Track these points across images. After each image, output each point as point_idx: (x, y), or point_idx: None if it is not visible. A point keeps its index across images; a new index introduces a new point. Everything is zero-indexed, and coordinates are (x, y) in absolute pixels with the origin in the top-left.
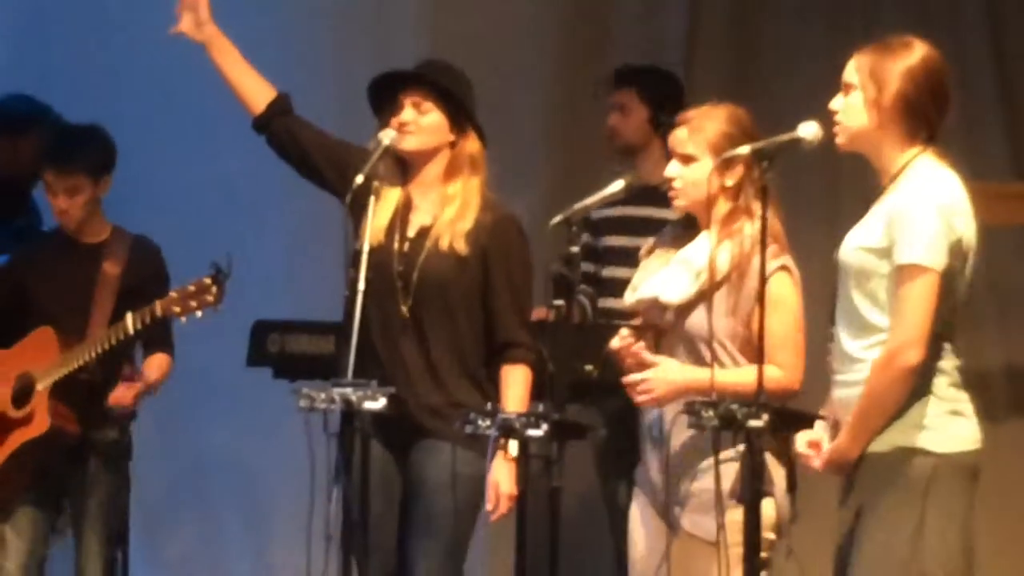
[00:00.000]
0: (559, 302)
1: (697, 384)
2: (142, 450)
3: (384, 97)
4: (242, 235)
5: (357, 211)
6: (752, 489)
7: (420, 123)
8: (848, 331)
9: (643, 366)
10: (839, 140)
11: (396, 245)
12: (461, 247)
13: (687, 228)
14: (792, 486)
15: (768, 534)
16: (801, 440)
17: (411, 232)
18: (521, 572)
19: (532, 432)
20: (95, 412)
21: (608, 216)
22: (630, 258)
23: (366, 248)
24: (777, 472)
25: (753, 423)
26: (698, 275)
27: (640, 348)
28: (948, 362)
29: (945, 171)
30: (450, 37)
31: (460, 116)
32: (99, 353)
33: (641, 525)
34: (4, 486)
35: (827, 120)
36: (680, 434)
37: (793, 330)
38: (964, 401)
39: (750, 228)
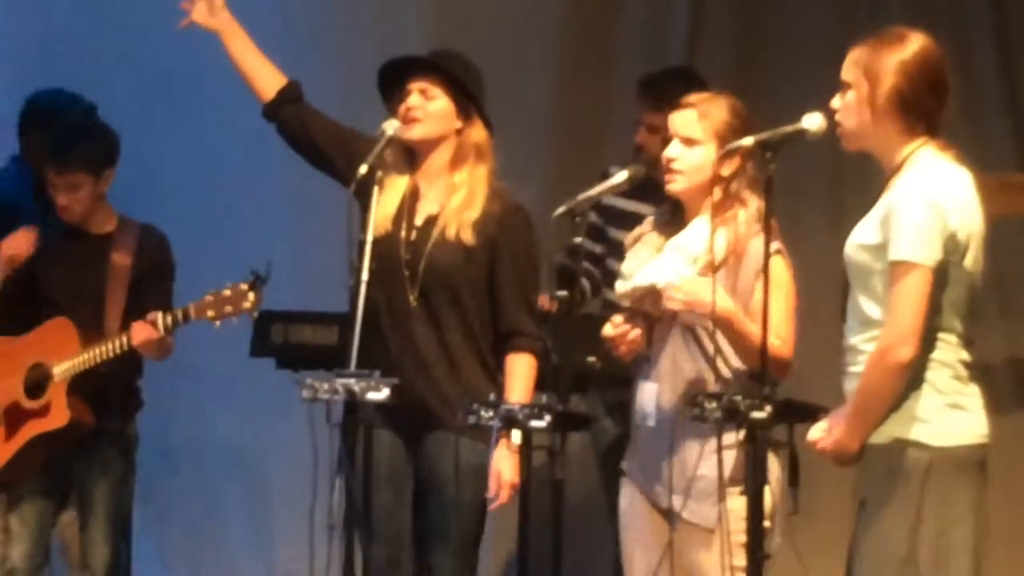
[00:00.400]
0: (562, 293)
1: (718, 311)
2: (145, 440)
3: (392, 84)
4: (244, 225)
5: (363, 201)
6: (755, 481)
7: (427, 109)
8: (853, 325)
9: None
10: (843, 142)
11: (403, 234)
12: (468, 236)
13: (673, 216)
14: (795, 480)
15: (763, 522)
16: (816, 429)
17: (418, 221)
18: (523, 563)
19: (535, 423)
20: (108, 403)
21: (619, 208)
22: None
23: (370, 239)
24: (772, 462)
25: (756, 415)
26: (695, 261)
27: (636, 335)
28: (949, 355)
29: (944, 163)
30: (454, 26)
31: (467, 104)
32: (121, 349)
33: (635, 516)
34: (14, 475)
35: (831, 111)
36: (675, 423)
37: (791, 307)
38: (968, 395)
39: (743, 215)
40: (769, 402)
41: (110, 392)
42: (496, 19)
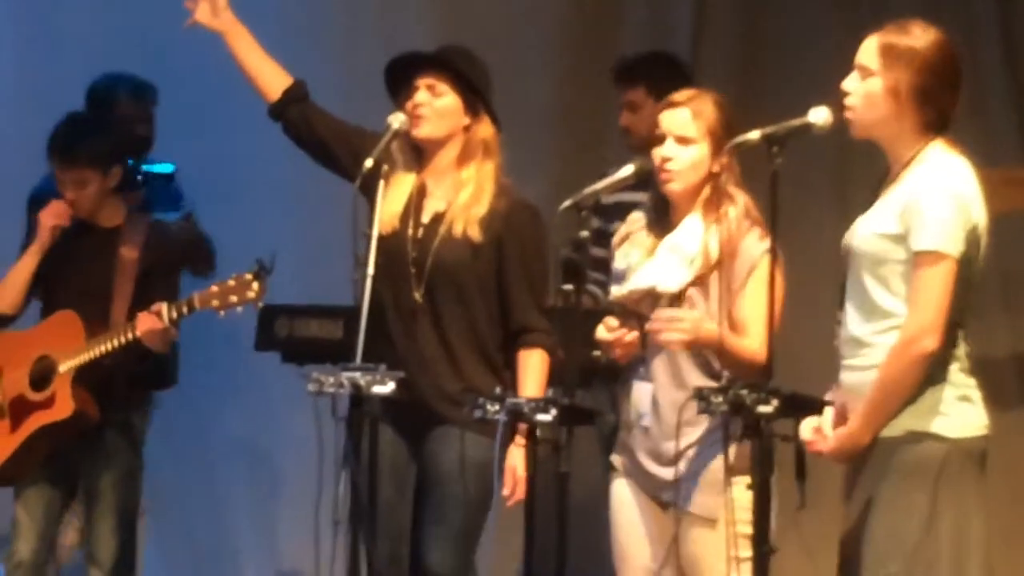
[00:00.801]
0: (568, 287)
1: (715, 340)
2: (151, 434)
3: (400, 81)
4: (249, 220)
5: (369, 195)
6: (762, 474)
7: (434, 106)
8: (858, 316)
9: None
10: (853, 128)
11: (410, 231)
12: (475, 233)
13: (660, 214)
14: (801, 474)
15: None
16: (806, 426)
17: (425, 218)
18: (529, 556)
19: (541, 417)
20: (113, 395)
21: (620, 201)
22: None
23: (375, 233)
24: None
25: (762, 409)
26: (691, 261)
27: (633, 338)
28: (961, 348)
29: (959, 159)
30: (455, 25)
31: (474, 100)
32: (127, 342)
33: (630, 510)
34: (19, 466)
35: (836, 105)
36: (672, 419)
37: (777, 308)
38: (973, 387)
39: (734, 212)
40: (775, 396)
41: (122, 384)
42: (497, 18)
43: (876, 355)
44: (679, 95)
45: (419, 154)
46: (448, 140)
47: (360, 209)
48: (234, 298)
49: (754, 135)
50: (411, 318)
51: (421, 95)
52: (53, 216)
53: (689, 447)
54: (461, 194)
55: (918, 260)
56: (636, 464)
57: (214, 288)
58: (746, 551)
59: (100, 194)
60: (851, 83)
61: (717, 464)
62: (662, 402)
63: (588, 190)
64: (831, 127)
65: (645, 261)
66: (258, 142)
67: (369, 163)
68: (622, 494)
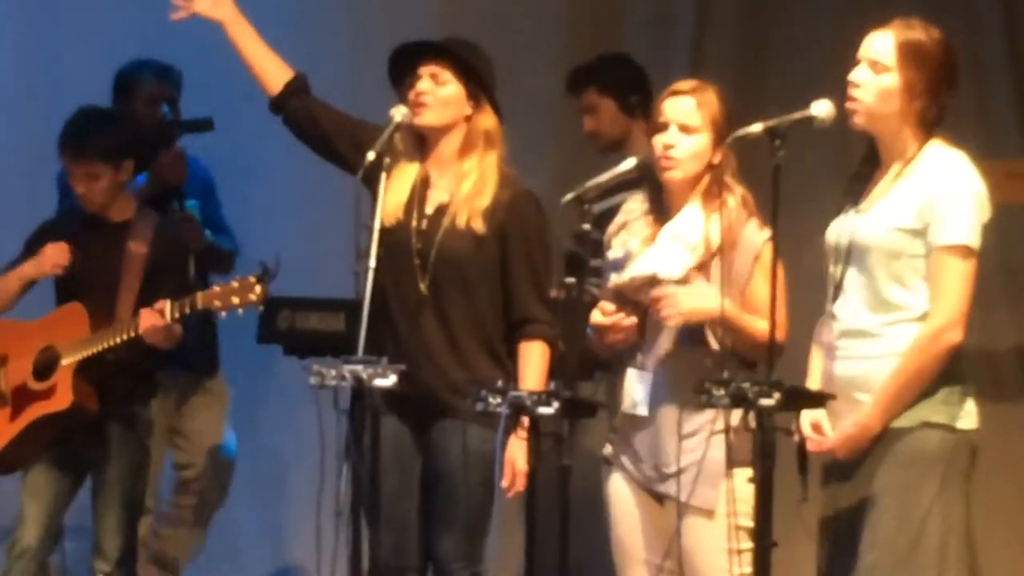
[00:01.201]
0: (570, 280)
1: (714, 313)
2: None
3: (403, 71)
4: (251, 212)
5: (371, 187)
6: (764, 467)
7: (437, 94)
8: (863, 308)
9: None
10: (857, 120)
11: (414, 223)
12: (478, 225)
13: (657, 203)
14: (803, 467)
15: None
16: (805, 422)
17: (429, 209)
18: (531, 549)
19: (543, 410)
20: (117, 388)
21: (612, 206)
22: None
23: (377, 225)
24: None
25: (764, 402)
26: (693, 248)
27: (632, 322)
28: (964, 342)
29: (962, 155)
30: (461, 13)
31: (477, 90)
32: (130, 337)
33: (626, 503)
34: (16, 454)
35: (838, 98)
36: (669, 409)
37: (782, 293)
38: (968, 381)
39: (732, 201)
40: (777, 389)
41: (125, 378)
42: (500, 10)
43: (884, 346)
44: (683, 84)
45: (422, 145)
46: (450, 129)
47: (362, 201)
48: (236, 299)
49: (756, 128)
50: (416, 310)
51: (424, 83)
52: (55, 259)
53: (687, 438)
54: (464, 185)
55: (944, 254)
56: (631, 454)
57: (217, 288)
58: (745, 543)
59: (111, 188)
60: (861, 75)
61: (714, 456)
62: (658, 392)
63: (590, 183)
64: (833, 120)
65: (644, 249)
66: (260, 137)
67: (371, 155)
68: (617, 488)
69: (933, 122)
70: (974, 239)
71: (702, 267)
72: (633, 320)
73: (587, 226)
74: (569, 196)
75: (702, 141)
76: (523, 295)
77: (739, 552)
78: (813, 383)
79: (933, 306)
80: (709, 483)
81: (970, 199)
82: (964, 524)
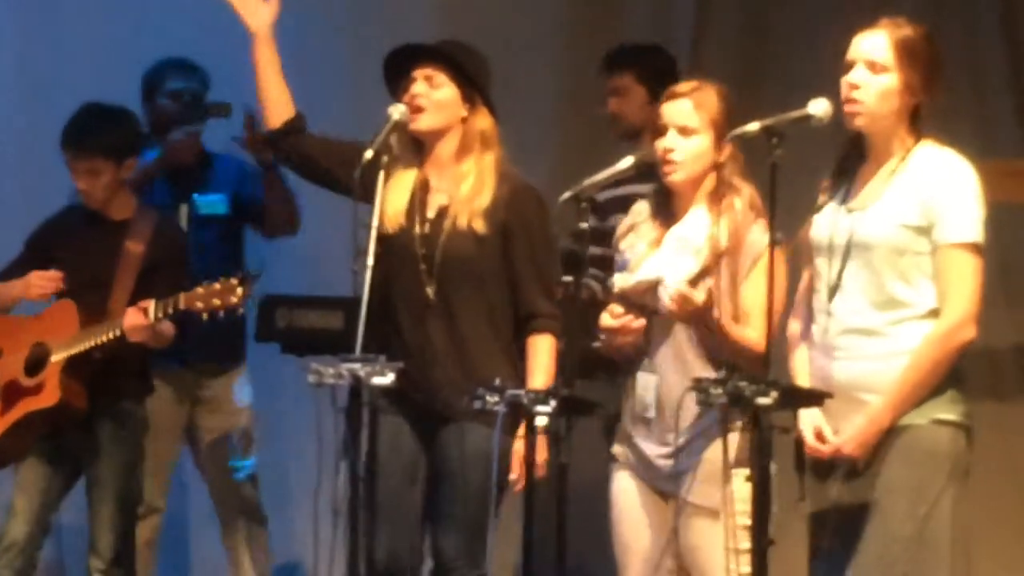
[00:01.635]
0: (567, 278)
1: (707, 312)
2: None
3: (398, 73)
4: None
5: (369, 186)
6: (761, 466)
7: (432, 97)
8: (867, 306)
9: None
10: (856, 120)
11: (416, 228)
12: (480, 225)
13: (664, 205)
14: (800, 465)
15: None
16: (807, 429)
17: (430, 213)
18: (528, 547)
19: (540, 408)
20: (108, 386)
21: (614, 196)
22: None
23: (375, 223)
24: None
25: (761, 401)
26: (698, 252)
27: (640, 325)
28: None
29: (955, 152)
30: (459, 13)
31: (472, 92)
32: (117, 336)
33: (630, 501)
34: (6, 451)
35: (837, 97)
36: (678, 408)
37: (782, 296)
38: (966, 379)
39: (739, 203)
40: (774, 388)
41: (116, 376)
42: (499, 10)
43: (889, 345)
44: (681, 86)
45: (419, 149)
46: (446, 132)
47: (360, 199)
48: (217, 301)
49: (753, 127)
50: (424, 314)
51: (419, 86)
52: (41, 288)
53: (692, 438)
54: (462, 187)
55: (953, 251)
56: (638, 454)
57: (200, 290)
58: (745, 543)
59: (112, 185)
60: (860, 76)
61: (719, 455)
62: (665, 393)
63: (588, 181)
64: (831, 119)
65: (651, 252)
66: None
67: (369, 154)
68: (623, 485)
69: (925, 119)
70: (981, 236)
71: (707, 272)
72: (642, 322)
73: (585, 224)
74: (567, 195)
75: (701, 143)
76: (528, 290)
77: (739, 551)
78: (803, 381)
79: (945, 303)
80: (714, 482)
81: (973, 196)
82: (966, 520)
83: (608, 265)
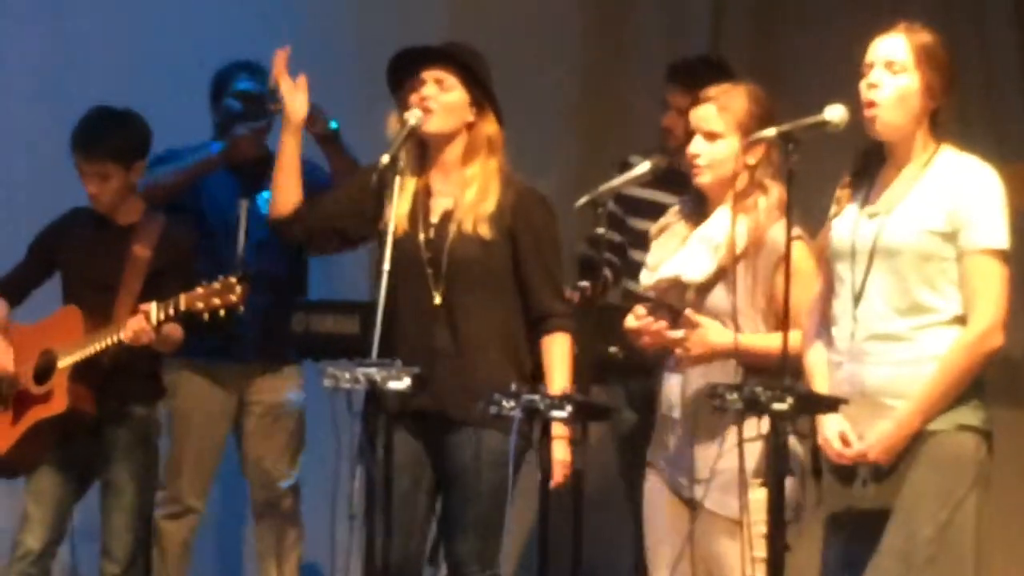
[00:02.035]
0: (583, 283)
1: (728, 348)
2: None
3: (403, 76)
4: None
5: (384, 192)
6: (776, 472)
7: (441, 100)
8: (890, 312)
9: (662, 342)
10: (876, 124)
11: (421, 234)
12: (485, 230)
13: (698, 206)
14: (817, 470)
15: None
16: (832, 433)
17: (434, 218)
18: (544, 551)
19: (556, 413)
20: (117, 390)
21: (640, 197)
22: None
23: (391, 228)
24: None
25: (777, 406)
26: (716, 250)
27: (662, 327)
28: None
29: (976, 159)
30: (471, 15)
31: (480, 96)
32: (118, 340)
33: (658, 505)
34: (19, 460)
35: (853, 102)
36: (700, 414)
37: (810, 297)
38: (986, 385)
39: (764, 202)
40: (790, 393)
41: (124, 380)
42: (513, 10)
43: (915, 350)
44: (710, 90)
45: (421, 153)
46: (454, 136)
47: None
48: (217, 300)
49: (770, 132)
50: (431, 319)
51: (429, 88)
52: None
53: (716, 446)
54: (467, 192)
55: (981, 257)
56: (666, 457)
57: (199, 290)
58: (761, 551)
59: (122, 189)
60: (879, 76)
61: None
62: (690, 395)
63: (604, 187)
64: (847, 124)
65: (676, 251)
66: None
67: (386, 159)
68: (655, 493)
69: (943, 125)
70: (1008, 242)
71: (725, 271)
72: (662, 324)
73: (601, 229)
74: (583, 200)
75: (727, 146)
76: (539, 292)
77: (755, 560)
78: (821, 386)
79: (972, 310)
80: (734, 492)
81: (999, 202)
82: (986, 526)
83: (625, 252)
